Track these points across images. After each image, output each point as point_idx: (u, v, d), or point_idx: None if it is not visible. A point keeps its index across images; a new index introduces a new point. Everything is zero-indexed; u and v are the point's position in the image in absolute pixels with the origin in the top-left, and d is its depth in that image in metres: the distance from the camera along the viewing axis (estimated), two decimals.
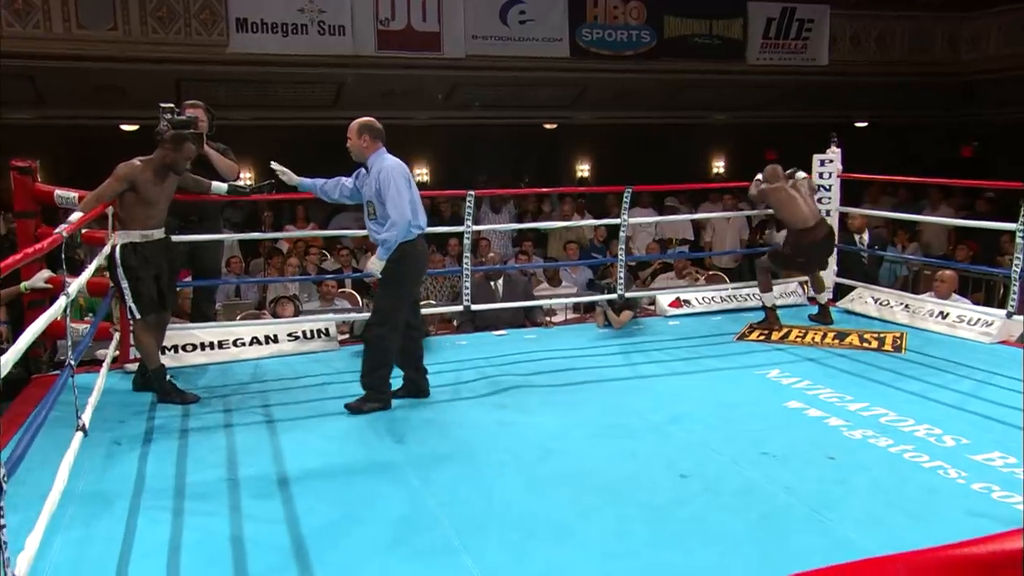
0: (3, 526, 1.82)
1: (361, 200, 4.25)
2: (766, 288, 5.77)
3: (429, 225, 4.38)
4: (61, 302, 2.84)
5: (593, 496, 3.11)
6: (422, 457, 3.52)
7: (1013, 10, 11.95)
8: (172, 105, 4.46)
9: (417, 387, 4.34)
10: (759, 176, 5.84)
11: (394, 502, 3.08)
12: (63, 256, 3.44)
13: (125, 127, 10.41)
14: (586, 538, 2.77)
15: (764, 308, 5.78)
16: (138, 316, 4.21)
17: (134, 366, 4.61)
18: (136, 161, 4.18)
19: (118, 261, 4.14)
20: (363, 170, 4.21)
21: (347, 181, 4.34)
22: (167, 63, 9.34)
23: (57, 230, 3.18)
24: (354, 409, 4.08)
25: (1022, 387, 3.92)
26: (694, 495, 3.12)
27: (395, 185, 4.01)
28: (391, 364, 4.17)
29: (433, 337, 5.65)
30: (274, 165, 4.48)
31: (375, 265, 4.10)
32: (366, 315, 5.28)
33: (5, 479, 1.84)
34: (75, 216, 3.75)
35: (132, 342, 4.65)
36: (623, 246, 5.96)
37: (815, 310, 5.96)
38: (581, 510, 2.98)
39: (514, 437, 3.76)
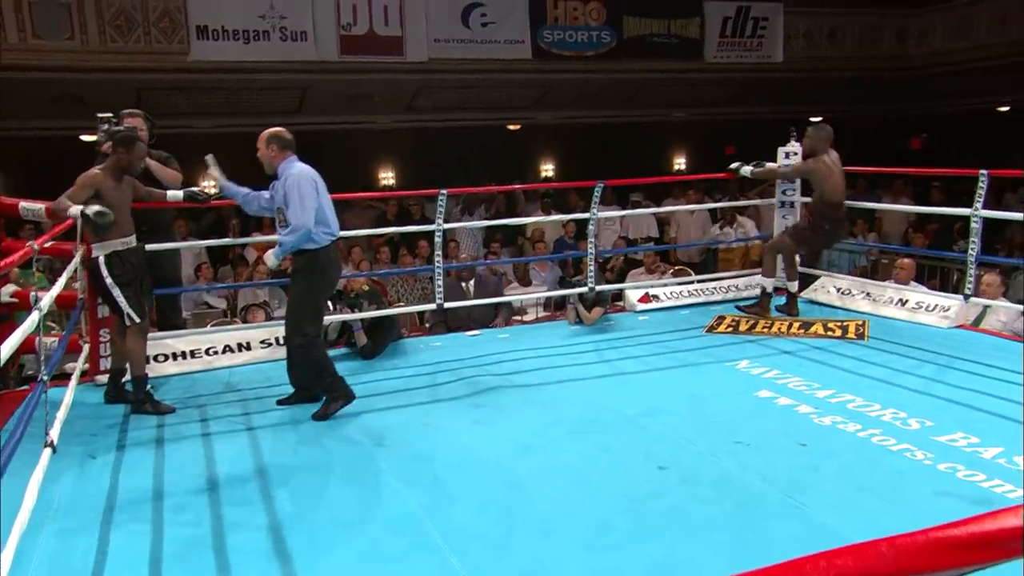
0: None
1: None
2: (769, 272, 5.83)
3: (400, 225, 4.36)
4: (34, 317, 2.77)
5: (574, 491, 3.12)
6: (402, 459, 3.50)
7: (957, 6, 12.25)
8: (110, 115, 4.42)
9: (311, 395, 4.24)
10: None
11: (377, 504, 3.06)
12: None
13: (85, 137, 10.18)
14: (569, 532, 2.78)
15: (762, 293, 5.83)
16: (137, 320, 4.16)
17: (104, 378, 4.52)
18: (95, 170, 4.14)
19: (104, 272, 4.08)
20: (276, 181, 4.17)
21: (265, 193, 4.30)
22: (127, 72, 9.17)
23: (29, 243, 3.10)
24: (321, 417, 4.04)
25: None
26: (672, 486, 3.14)
27: (299, 191, 3.98)
28: (328, 363, 4.16)
29: (406, 339, 5.61)
30: (208, 158, 4.40)
31: (269, 260, 4.16)
32: (338, 317, 5.23)
33: None
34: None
35: (106, 353, 4.55)
36: (592, 240, 5.98)
37: (782, 300, 6.03)
38: (562, 505, 2.99)
39: (492, 436, 3.75)
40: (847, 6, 12.71)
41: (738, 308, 5.97)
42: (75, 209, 3.94)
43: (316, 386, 4.15)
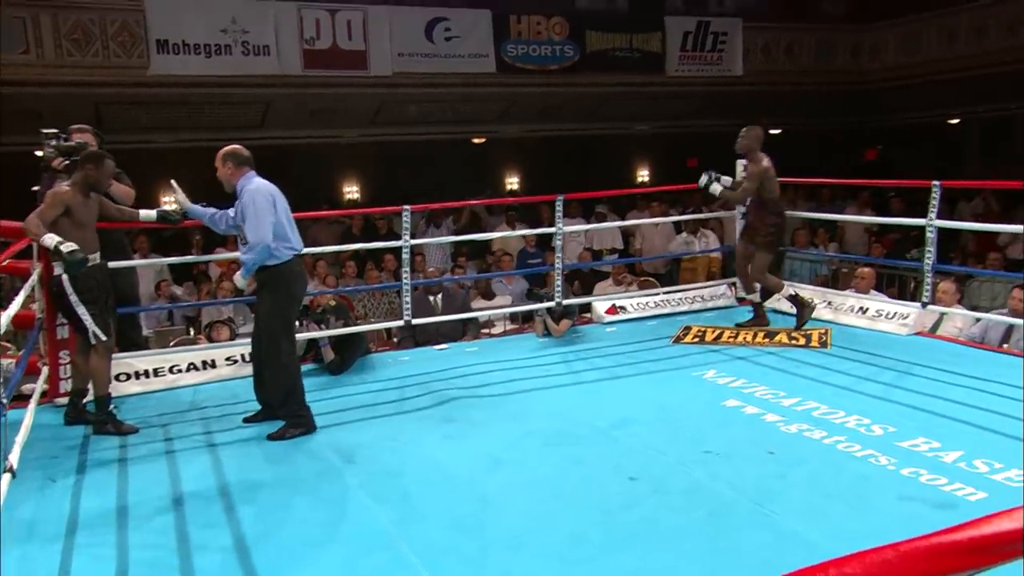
0: None
1: None
2: (778, 285, 5.81)
3: (366, 241, 4.33)
4: None
5: (546, 504, 3.11)
6: (372, 475, 3.46)
7: (906, 22, 12.61)
8: (56, 131, 4.33)
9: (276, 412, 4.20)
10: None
11: (347, 522, 3.02)
12: None
13: (40, 153, 9.98)
14: (542, 546, 2.77)
15: (754, 303, 5.87)
16: (104, 338, 4.07)
17: (64, 400, 4.41)
18: (64, 187, 4.04)
19: (69, 290, 3.98)
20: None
21: (230, 211, 4.26)
22: (85, 86, 9.02)
23: None
24: (277, 438, 3.98)
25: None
26: (643, 497, 3.15)
27: (255, 207, 3.95)
28: (299, 386, 4.09)
29: (374, 354, 5.57)
30: (173, 183, 4.39)
31: (238, 282, 4.16)
32: (306, 335, 5.17)
33: None
34: None
35: (66, 375, 4.44)
36: (560, 254, 6.01)
37: (747, 310, 6.07)
38: (535, 519, 2.98)
39: (463, 450, 3.73)
40: (803, 22, 13.02)
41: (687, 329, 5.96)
42: (50, 240, 3.84)
43: (282, 409, 4.08)
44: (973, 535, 0.70)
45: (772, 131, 13.56)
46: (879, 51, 13.08)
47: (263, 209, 3.95)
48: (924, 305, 5.50)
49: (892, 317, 5.63)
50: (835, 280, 7.88)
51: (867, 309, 5.79)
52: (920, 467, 3.32)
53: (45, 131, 4.28)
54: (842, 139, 14.49)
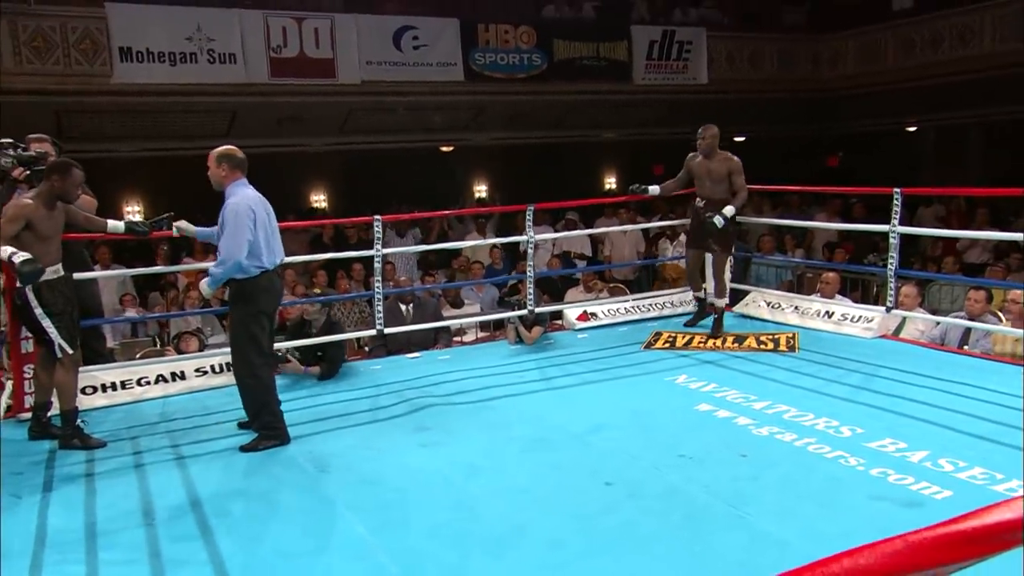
0: None
1: None
2: (723, 292, 5.80)
3: (336, 247, 4.31)
4: None
5: (524, 510, 3.12)
6: (348, 484, 3.44)
7: (864, 32, 12.90)
8: (11, 141, 4.25)
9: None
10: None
11: (325, 534, 3.00)
12: None
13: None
14: (522, 552, 2.78)
15: (717, 312, 5.77)
16: (70, 351, 4.00)
17: (28, 415, 4.31)
18: (26, 199, 3.93)
19: (34, 303, 3.89)
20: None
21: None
22: (44, 95, 8.83)
23: None
24: (250, 449, 3.94)
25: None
26: (620, 502, 3.17)
27: (235, 222, 3.90)
28: (272, 399, 4.05)
29: (347, 363, 5.53)
30: (178, 225, 4.46)
31: (204, 290, 4.14)
32: (290, 361, 5.17)
33: None
34: None
35: (30, 389, 4.34)
36: (531, 263, 6.03)
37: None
38: (514, 525, 2.99)
39: (439, 458, 3.72)
40: (765, 31, 13.24)
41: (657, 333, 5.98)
42: (4, 252, 3.76)
43: (255, 422, 4.04)
44: (976, 525, 0.72)
45: (737, 138, 13.90)
46: (838, 60, 13.36)
47: (241, 225, 3.89)
48: (888, 309, 5.62)
49: (857, 321, 5.74)
50: (800, 285, 8.02)
51: (833, 313, 5.90)
52: (888, 467, 3.40)
53: (0, 141, 4.18)
54: (804, 146, 14.75)
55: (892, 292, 5.60)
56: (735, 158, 5.68)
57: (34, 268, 3.76)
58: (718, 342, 5.61)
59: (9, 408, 4.31)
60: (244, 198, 3.97)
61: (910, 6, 12.45)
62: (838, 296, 6.40)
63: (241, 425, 4.23)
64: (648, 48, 11.89)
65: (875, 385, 4.56)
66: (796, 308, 6.15)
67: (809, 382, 4.66)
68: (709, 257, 5.93)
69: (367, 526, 3.01)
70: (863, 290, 7.68)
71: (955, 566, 0.74)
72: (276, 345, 5.07)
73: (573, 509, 3.11)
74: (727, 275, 5.95)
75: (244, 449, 3.94)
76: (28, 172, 4.20)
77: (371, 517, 3.09)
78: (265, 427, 4.00)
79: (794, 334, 5.67)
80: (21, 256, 3.74)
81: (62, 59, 8.81)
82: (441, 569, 2.68)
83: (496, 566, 2.70)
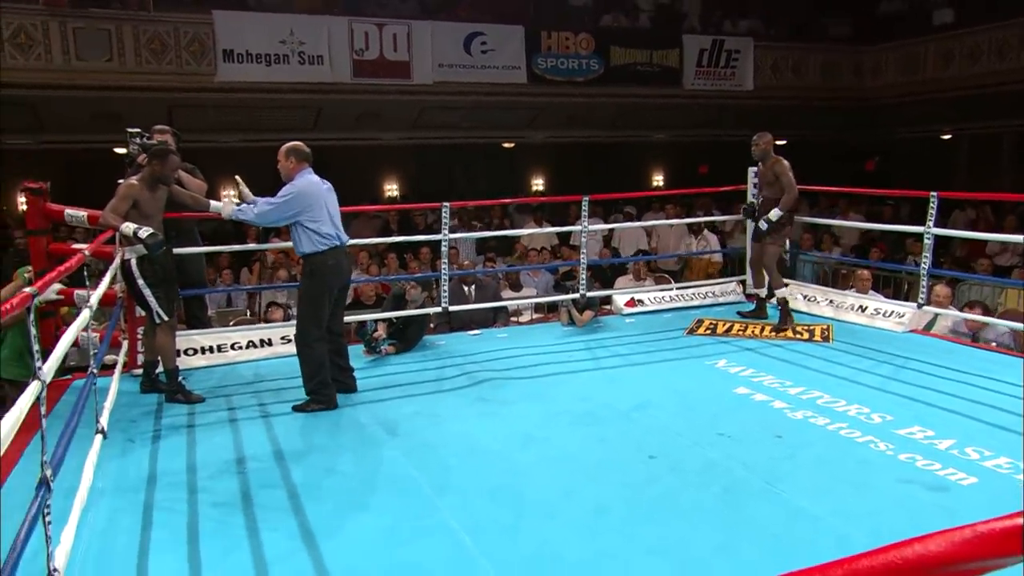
0: (50, 523, 1.74)
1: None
2: (779, 284, 5.55)
3: (405, 234, 4.32)
4: (85, 314, 2.74)
5: (574, 478, 3.11)
6: (414, 447, 3.48)
7: (904, 45, 12.37)
8: (139, 130, 4.37)
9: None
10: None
11: (392, 489, 3.04)
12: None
13: (118, 150, 10.10)
14: (571, 516, 2.77)
15: (781, 304, 5.52)
16: (166, 319, 4.12)
17: (140, 371, 4.48)
18: (132, 181, 4.08)
19: (136, 273, 4.03)
20: None
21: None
22: (160, 91, 9.12)
23: (83, 249, 3.06)
24: (300, 409, 4.01)
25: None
26: (662, 474, 3.14)
27: (286, 198, 3.97)
28: (324, 369, 4.08)
29: None
30: (237, 178, 4.38)
31: (224, 208, 4.25)
32: (350, 317, 5.21)
33: (52, 478, 1.76)
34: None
35: (141, 348, 4.51)
36: (584, 250, 5.98)
37: (751, 307, 6.03)
38: (564, 491, 2.98)
39: (497, 427, 3.74)
40: (809, 43, 12.81)
41: (740, 314, 5.89)
42: (128, 229, 3.89)
43: (306, 384, 4.09)
44: (989, 529, 0.68)
45: (779, 141, 13.47)
46: (880, 71, 12.83)
47: (290, 204, 3.97)
48: (920, 306, 5.41)
49: (889, 315, 5.55)
50: (834, 280, 7.78)
51: (866, 307, 5.72)
52: (916, 453, 3.29)
53: (130, 130, 4.32)
54: (842, 150, 14.27)
55: (924, 289, 5.39)
56: (783, 160, 5.53)
57: (156, 240, 3.90)
58: (756, 330, 5.49)
59: (124, 364, 4.47)
60: (308, 183, 4.04)
61: (951, 20, 11.88)
62: (871, 292, 6.19)
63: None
64: (698, 56, 11.62)
65: (905, 376, 4.41)
66: (831, 301, 5.98)
67: (842, 371, 4.53)
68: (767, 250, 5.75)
69: (431, 485, 3.04)
70: (895, 287, 7.41)
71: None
72: (368, 318, 5.15)
73: (618, 478, 3.09)
74: (771, 264, 5.75)
75: (296, 409, 4.01)
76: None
77: (434, 477, 3.12)
78: (315, 391, 4.06)
79: (829, 326, 5.52)
80: (145, 230, 3.87)
81: (175, 60, 9.07)
82: (499, 528, 2.69)
83: (548, 528, 2.69)
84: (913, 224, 6.42)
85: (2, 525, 1.73)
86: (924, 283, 5.39)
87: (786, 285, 5.69)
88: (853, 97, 13.04)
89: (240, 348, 5.08)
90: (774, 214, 5.46)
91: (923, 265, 5.36)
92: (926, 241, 5.33)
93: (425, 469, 3.21)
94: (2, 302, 1.68)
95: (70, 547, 2.09)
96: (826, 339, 5.24)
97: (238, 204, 4.34)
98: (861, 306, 5.76)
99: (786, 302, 5.56)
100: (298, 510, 2.86)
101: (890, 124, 13.51)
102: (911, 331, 5.40)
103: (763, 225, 5.53)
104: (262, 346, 5.15)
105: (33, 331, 1.94)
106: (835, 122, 13.49)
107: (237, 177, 4.41)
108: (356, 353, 4.78)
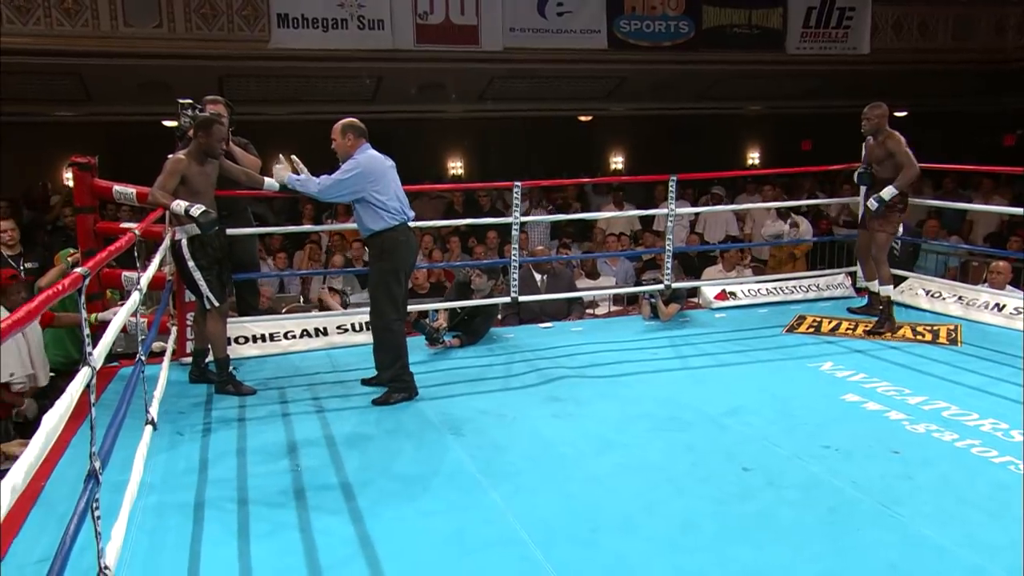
0: (99, 517, 1.82)
1: None
2: (888, 279, 5.37)
3: (469, 216, 4.34)
4: (135, 297, 2.86)
5: (656, 489, 3.07)
6: (481, 449, 3.51)
7: None
8: (191, 101, 4.49)
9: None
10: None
11: (458, 496, 3.07)
12: None
13: (167, 123, 10.52)
14: (653, 531, 2.74)
15: (883, 303, 5.37)
16: (216, 304, 4.26)
17: (189, 359, 4.65)
18: (180, 155, 4.19)
19: (187, 255, 4.17)
20: None
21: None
22: (210, 59, 9.43)
23: (132, 228, 3.20)
24: (381, 403, 4.10)
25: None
26: (758, 489, 3.07)
27: (349, 173, 4.05)
28: (405, 353, 4.19)
29: None
30: (293, 158, 4.43)
31: (278, 175, 4.31)
32: (413, 306, 5.27)
33: (101, 471, 1.85)
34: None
35: (191, 335, 4.69)
36: (671, 236, 5.89)
37: (864, 301, 5.83)
38: (645, 503, 2.95)
39: (571, 429, 3.73)
40: None
41: (851, 311, 5.76)
42: (178, 207, 4.01)
43: (387, 372, 4.18)
44: None
45: (897, 113, 12.95)
46: None
47: (352, 180, 4.05)
48: None
49: None
50: (964, 274, 7.43)
51: (1004, 306, 5.44)
52: None
53: (181, 101, 4.46)
54: (976, 123, 13.57)
55: None
56: (896, 134, 5.29)
57: (209, 218, 4.02)
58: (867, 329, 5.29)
59: (173, 352, 4.66)
60: (371, 158, 4.12)
61: None
62: (1009, 287, 5.88)
63: (364, 382, 4.39)
64: (805, 15, 11.22)
65: None
66: (960, 298, 5.71)
67: (973, 379, 4.32)
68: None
69: (500, 493, 3.05)
70: None
71: None
72: (433, 307, 5.19)
73: (707, 492, 3.04)
74: (881, 253, 5.52)
75: (376, 403, 4.10)
76: None
77: (503, 484, 3.13)
78: (395, 379, 4.15)
79: (956, 326, 5.27)
80: (197, 208, 3.99)
81: (226, 25, 9.36)
82: (573, 541, 2.68)
83: (627, 543, 2.67)
84: None
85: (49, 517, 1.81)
86: None
87: (894, 282, 5.44)
88: (993, 60, 12.35)
89: (294, 337, 5.23)
90: (887, 192, 5.23)
91: None
92: None
93: (492, 473, 3.23)
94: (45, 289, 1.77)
95: (120, 544, 2.19)
96: (953, 342, 5.02)
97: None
98: (998, 304, 5.49)
99: (891, 302, 5.36)
100: (354, 513, 2.92)
101: None
102: None
103: (872, 204, 5.30)
104: (317, 336, 5.28)
105: (84, 314, 2.03)
106: (967, 88, 12.83)
107: (293, 156, 4.48)
108: (414, 345, 4.83)
